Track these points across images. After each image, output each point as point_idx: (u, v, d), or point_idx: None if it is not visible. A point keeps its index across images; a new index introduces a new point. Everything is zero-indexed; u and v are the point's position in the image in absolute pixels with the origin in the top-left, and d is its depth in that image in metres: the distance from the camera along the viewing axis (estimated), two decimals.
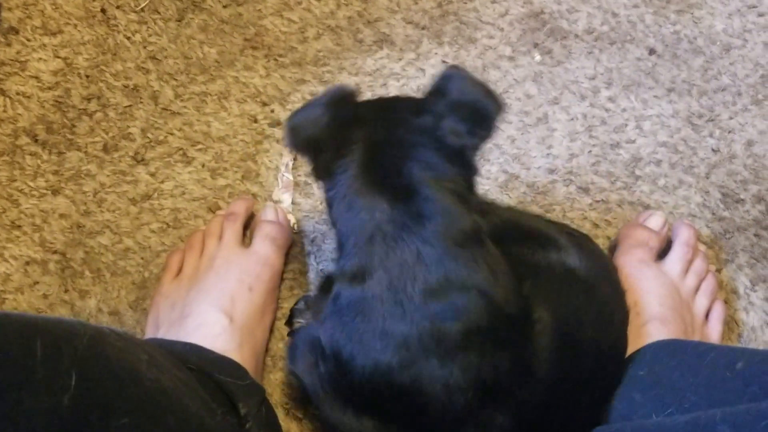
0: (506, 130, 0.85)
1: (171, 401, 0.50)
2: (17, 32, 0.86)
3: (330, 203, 0.62)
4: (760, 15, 0.91)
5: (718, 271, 0.80)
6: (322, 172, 0.62)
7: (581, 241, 0.69)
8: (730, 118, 0.87)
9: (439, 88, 0.63)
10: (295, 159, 0.84)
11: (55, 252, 0.78)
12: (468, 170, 0.61)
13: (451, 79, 0.63)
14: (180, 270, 0.74)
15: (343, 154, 0.61)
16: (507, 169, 0.84)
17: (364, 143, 0.61)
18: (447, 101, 0.62)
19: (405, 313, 0.56)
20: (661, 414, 0.55)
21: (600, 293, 0.64)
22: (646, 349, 0.64)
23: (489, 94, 0.63)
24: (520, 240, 0.65)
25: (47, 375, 0.41)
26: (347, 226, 0.59)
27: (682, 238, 0.76)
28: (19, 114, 0.83)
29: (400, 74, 0.87)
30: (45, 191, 0.80)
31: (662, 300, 0.70)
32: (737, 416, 0.44)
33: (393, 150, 0.60)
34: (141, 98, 0.85)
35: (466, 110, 0.61)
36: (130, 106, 0.84)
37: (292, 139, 0.62)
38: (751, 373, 0.50)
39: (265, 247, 0.73)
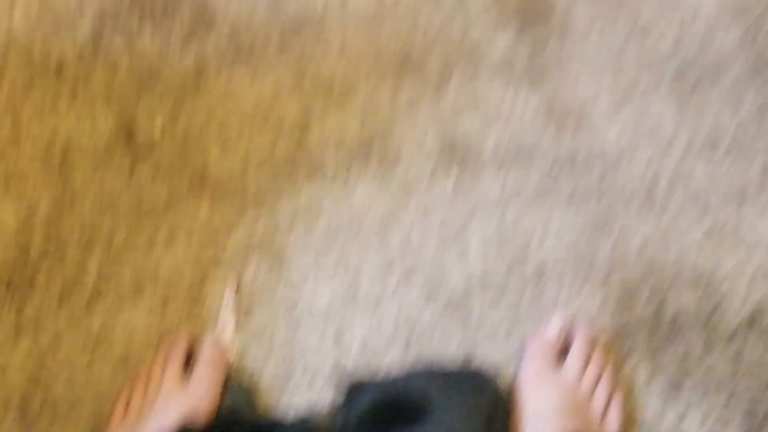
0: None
1: None
2: None
3: None
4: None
5: (616, 368, 0.88)
6: None
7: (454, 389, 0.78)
8: (625, 223, 0.96)
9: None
10: (237, 290, 0.93)
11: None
12: None
13: None
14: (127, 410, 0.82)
15: None
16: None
17: None
18: None
19: None
20: None
21: None
22: None
23: None
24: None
25: None
26: None
27: (580, 337, 0.86)
28: None
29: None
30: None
31: (559, 411, 0.78)
32: None
33: None
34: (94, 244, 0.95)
35: None
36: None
37: None
38: None
39: (202, 384, 0.82)
